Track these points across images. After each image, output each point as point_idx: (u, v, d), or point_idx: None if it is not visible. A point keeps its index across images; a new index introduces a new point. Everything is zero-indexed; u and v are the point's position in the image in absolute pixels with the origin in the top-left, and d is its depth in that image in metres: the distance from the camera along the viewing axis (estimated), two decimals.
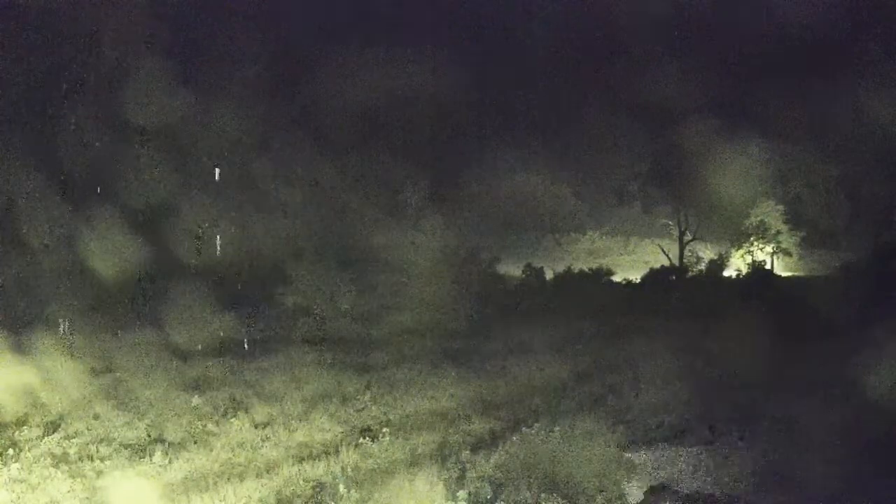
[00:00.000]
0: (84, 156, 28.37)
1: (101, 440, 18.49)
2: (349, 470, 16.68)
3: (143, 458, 17.58)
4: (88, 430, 19.05)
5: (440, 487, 15.80)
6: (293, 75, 34.17)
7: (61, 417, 19.66)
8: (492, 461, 17.39)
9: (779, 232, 40.70)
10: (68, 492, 15.92)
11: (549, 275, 40.45)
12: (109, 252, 25.85)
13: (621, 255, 45.88)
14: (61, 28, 30.33)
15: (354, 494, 15.30)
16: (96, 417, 19.77)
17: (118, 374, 23.22)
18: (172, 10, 32.65)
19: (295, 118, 32.11)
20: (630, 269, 42.58)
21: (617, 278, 40.99)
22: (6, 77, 28.11)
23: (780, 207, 40.58)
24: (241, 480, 16.39)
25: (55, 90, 29.37)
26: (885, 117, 33.26)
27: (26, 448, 17.62)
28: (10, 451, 17.29)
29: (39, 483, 16.12)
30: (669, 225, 42.84)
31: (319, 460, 17.47)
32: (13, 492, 15.63)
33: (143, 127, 28.09)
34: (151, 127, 27.22)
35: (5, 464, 16.58)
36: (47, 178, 28.14)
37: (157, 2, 32.88)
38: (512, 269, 39.88)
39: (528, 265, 40.59)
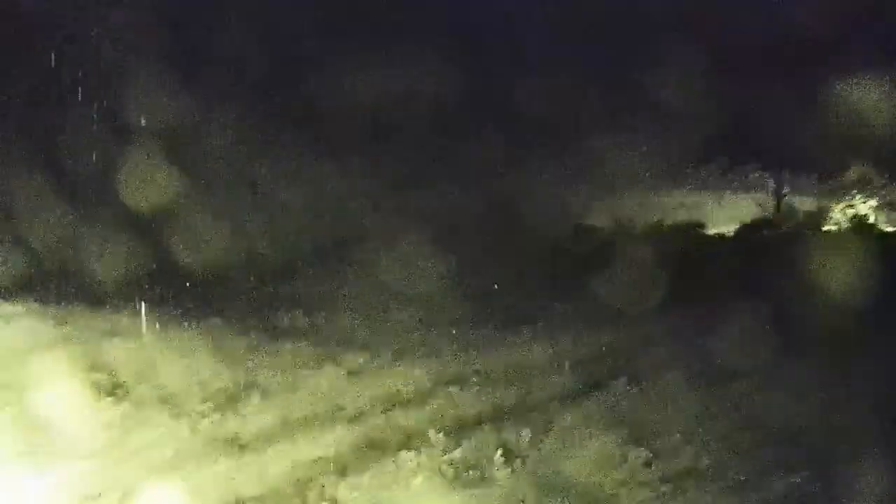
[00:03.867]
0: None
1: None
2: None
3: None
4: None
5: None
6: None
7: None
8: (573, 413, 17.65)
9: (883, 185, 39.20)
10: (169, 431, 16.84)
11: (639, 229, 40.03)
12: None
13: (714, 208, 44.97)
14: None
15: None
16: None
17: None
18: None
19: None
20: (723, 222, 41.81)
21: (709, 232, 40.39)
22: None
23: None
24: None
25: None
26: None
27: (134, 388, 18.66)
28: (119, 392, 18.32)
29: (145, 421, 17.14)
30: (765, 177, 41.72)
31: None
32: (122, 428, 16.64)
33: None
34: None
35: (117, 402, 17.59)
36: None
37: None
38: (600, 223, 39.64)
39: (618, 220, 40.27)
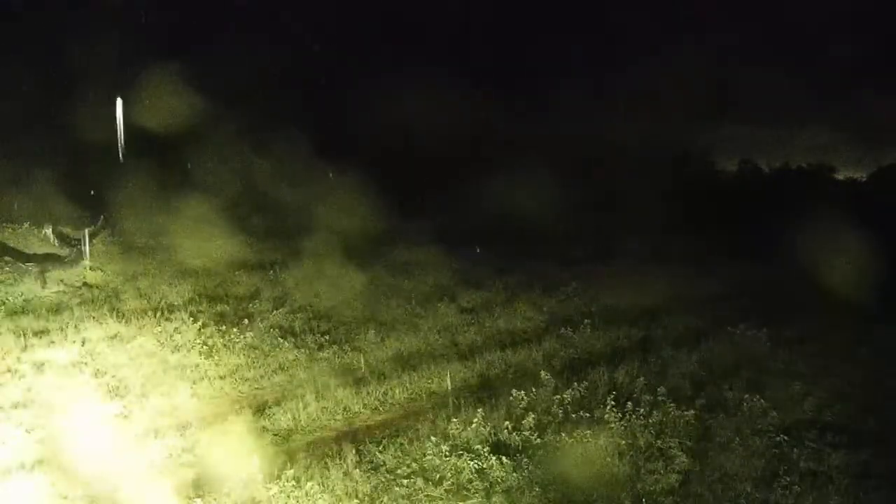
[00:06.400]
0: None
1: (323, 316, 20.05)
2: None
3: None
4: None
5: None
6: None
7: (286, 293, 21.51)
8: (693, 358, 17.37)
9: None
10: (293, 360, 17.54)
11: (765, 171, 38.51)
12: None
13: (845, 151, 42.60)
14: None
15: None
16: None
17: None
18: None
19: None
20: (855, 166, 39.64)
21: (839, 176, 38.43)
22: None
23: None
24: None
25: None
26: None
27: (258, 319, 19.50)
28: (246, 322, 19.17)
29: (270, 351, 17.89)
30: None
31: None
32: (249, 357, 17.45)
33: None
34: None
35: (242, 332, 18.43)
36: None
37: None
38: (726, 164, 38.36)
39: (744, 160, 38.80)
